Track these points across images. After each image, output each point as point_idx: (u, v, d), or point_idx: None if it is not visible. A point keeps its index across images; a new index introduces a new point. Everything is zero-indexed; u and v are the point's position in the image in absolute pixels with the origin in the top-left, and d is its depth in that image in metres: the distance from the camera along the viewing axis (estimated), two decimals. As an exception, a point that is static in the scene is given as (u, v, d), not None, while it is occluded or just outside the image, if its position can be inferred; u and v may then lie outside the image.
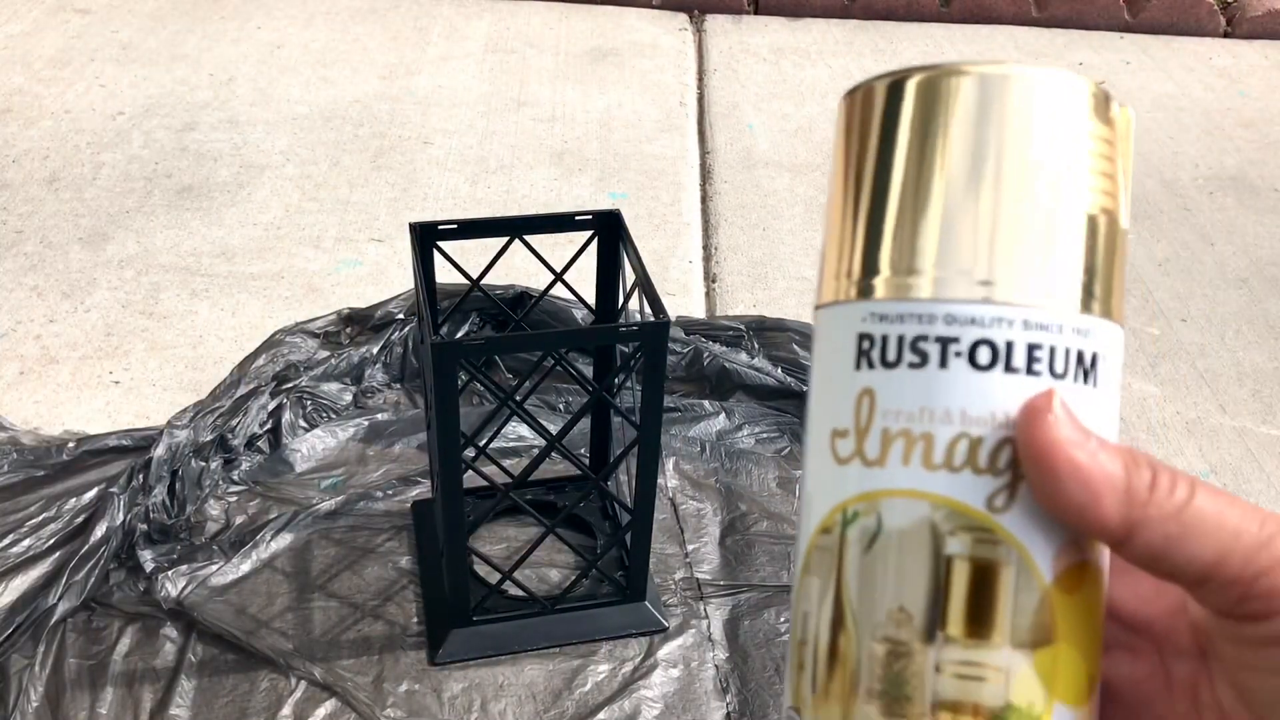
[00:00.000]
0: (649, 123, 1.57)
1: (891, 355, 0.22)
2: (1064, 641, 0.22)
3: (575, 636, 0.82)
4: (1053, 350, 0.22)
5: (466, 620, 0.81)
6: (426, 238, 0.77)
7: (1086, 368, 0.23)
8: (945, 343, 0.22)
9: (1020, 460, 0.22)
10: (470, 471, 0.74)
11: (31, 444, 0.94)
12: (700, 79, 1.73)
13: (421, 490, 0.95)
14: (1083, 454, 0.21)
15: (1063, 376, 0.22)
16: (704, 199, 1.40)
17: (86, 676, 0.78)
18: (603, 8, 1.93)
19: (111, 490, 0.88)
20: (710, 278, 1.25)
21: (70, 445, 0.94)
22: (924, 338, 0.22)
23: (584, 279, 0.84)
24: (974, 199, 0.22)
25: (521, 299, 1.06)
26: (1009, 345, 0.22)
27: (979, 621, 0.22)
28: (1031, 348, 0.22)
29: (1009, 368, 0.22)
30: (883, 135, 0.23)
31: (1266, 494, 0.99)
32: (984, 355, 0.22)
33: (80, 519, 0.87)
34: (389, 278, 1.21)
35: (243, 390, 0.98)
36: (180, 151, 1.45)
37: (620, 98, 1.64)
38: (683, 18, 1.92)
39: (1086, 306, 0.23)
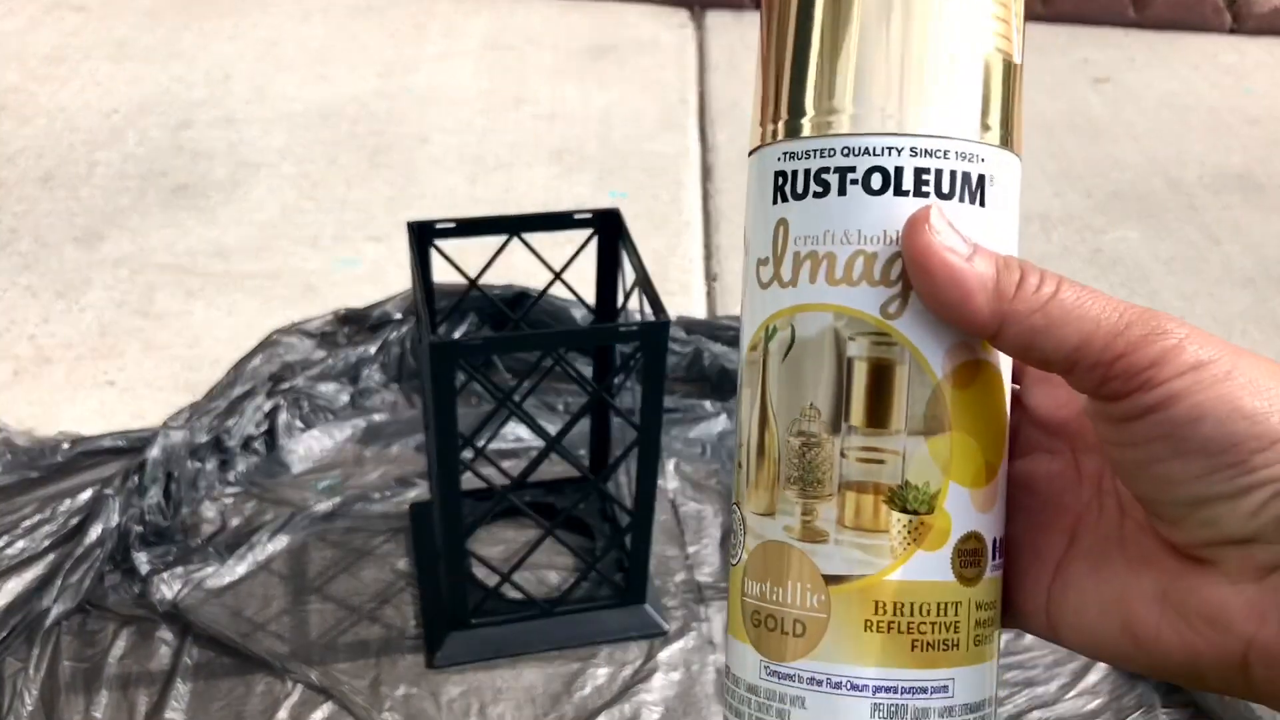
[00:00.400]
0: (649, 120, 1.56)
1: (800, 188, 0.26)
2: (958, 430, 0.25)
3: (574, 639, 0.81)
4: (938, 173, 0.25)
5: (465, 623, 0.80)
6: (424, 237, 0.77)
7: (973, 189, 0.25)
8: (843, 172, 0.25)
9: (906, 264, 0.25)
10: (468, 473, 0.73)
11: (25, 445, 0.94)
12: (701, 76, 1.72)
13: (419, 492, 0.94)
14: (956, 258, 0.24)
15: (949, 197, 0.25)
16: (705, 197, 1.39)
17: (81, 679, 0.78)
18: (602, 4, 1.93)
19: (106, 492, 0.87)
20: (711, 277, 1.24)
21: (65, 446, 0.93)
22: (825, 170, 0.25)
23: (583, 278, 0.84)
24: (865, 44, 0.25)
25: (520, 298, 1.05)
26: (898, 170, 0.25)
27: (877, 413, 0.25)
28: (919, 171, 0.25)
29: (899, 190, 0.25)
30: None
31: (1273, 495, 0.98)
32: (876, 180, 0.25)
33: (75, 521, 0.86)
34: (387, 277, 1.20)
35: (239, 391, 0.97)
36: (176, 150, 1.44)
37: (620, 95, 1.63)
38: (683, 14, 1.91)
39: (975, 134, 0.25)
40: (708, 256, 1.28)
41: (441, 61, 1.71)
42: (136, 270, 1.20)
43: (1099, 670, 0.80)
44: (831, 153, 0.25)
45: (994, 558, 0.27)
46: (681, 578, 0.88)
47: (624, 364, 0.80)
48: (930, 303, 0.25)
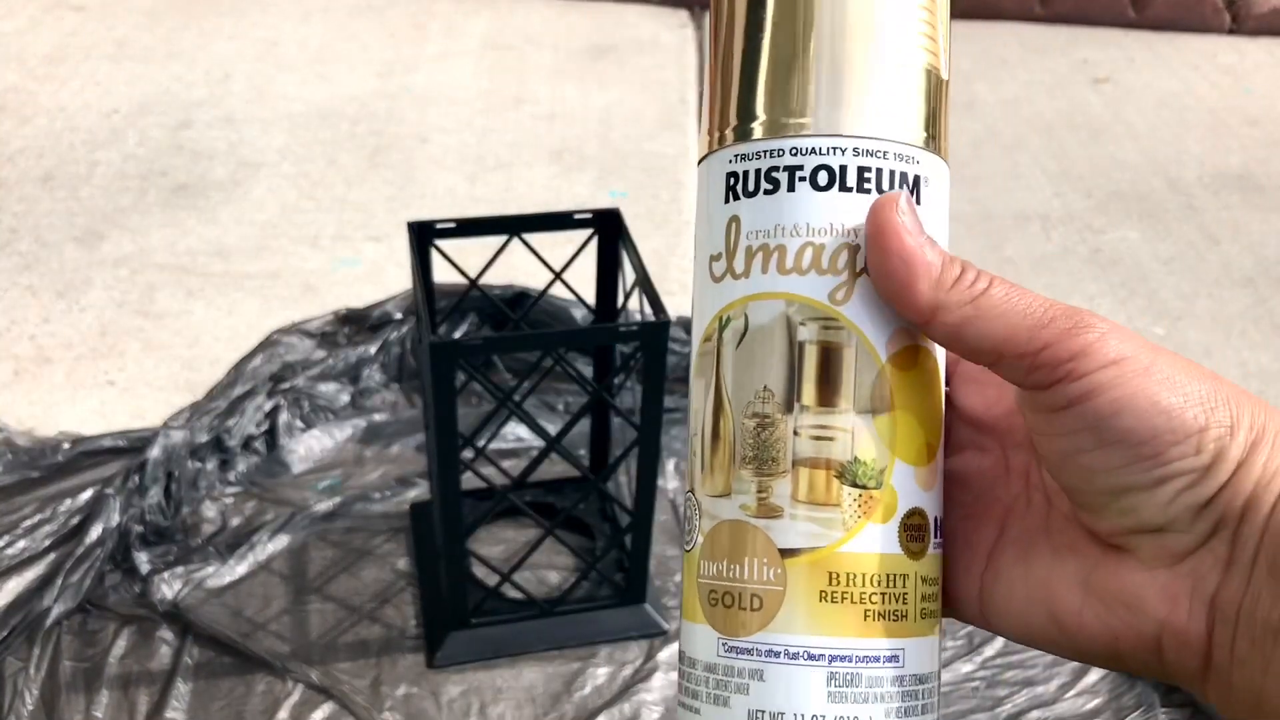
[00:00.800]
0: (649, 120, 1.56)
1: (751, 186, 0.27)
2: (901, 410, 0.27)
3: (574, 639, 0.81)
4: (879, 171, 0.27)
5: (465, 623, 0.80)
6: (424, 236, 0.77)
7: (910, 188, 0.27)
8: (791, 170, 0.27)
9: (867, 237, 0.26)
10: (468, 472, 0.73)
11: (26, 445, 0.94)
12: (701, 76, 1.72)
13: (419, 491, 0.95)
14: (912, 241, 0.26)
15: None
16: (704, 197, 1.39)
17: (81, 679, 0.78)
18: (602, 4, 1.93)
19: (107, 492, 0.87)
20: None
21: (65, 446, 0.93)
22: (775, 169, 0.27)
23: (583, 278, 0.84)
24: (808, 56, 0.27)
25: (520, 298, 1.05)
26: (842, 169, 0.27)
27: (827, 393, 0.27)
28: (861, 170, 0.27)
29: (843, 187, 0.27)
30: (747, 11, 0.28)
31: (1272, 494, 0.98)
32: (823, 178, 0.27)
33: (75, 520, 0.86)
34: (387, 277, 1.20)
35: (239, 391, 0.97)
36: (176, 150, 1.44)
37: (620, 95, 1.63)
38: (683, 14, 1.91)
39: (910, 138, 0.27)
40: (707, 256, 1.28)
41: (441, 61, 1.71)
42: (136, 270, 1.21)
43: (1098, 670, 0.80)
44: (780, 153, 0.27)
45: (935, 535, 0.28)
46: (681, 577, 0.88)
47: (624, 364, 0.80)
48: (878, 277, 0.26)
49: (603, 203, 1.36)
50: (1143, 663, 0.26)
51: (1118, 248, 1.33)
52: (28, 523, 0.86)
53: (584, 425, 0.96)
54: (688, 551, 0.28)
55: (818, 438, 0.27)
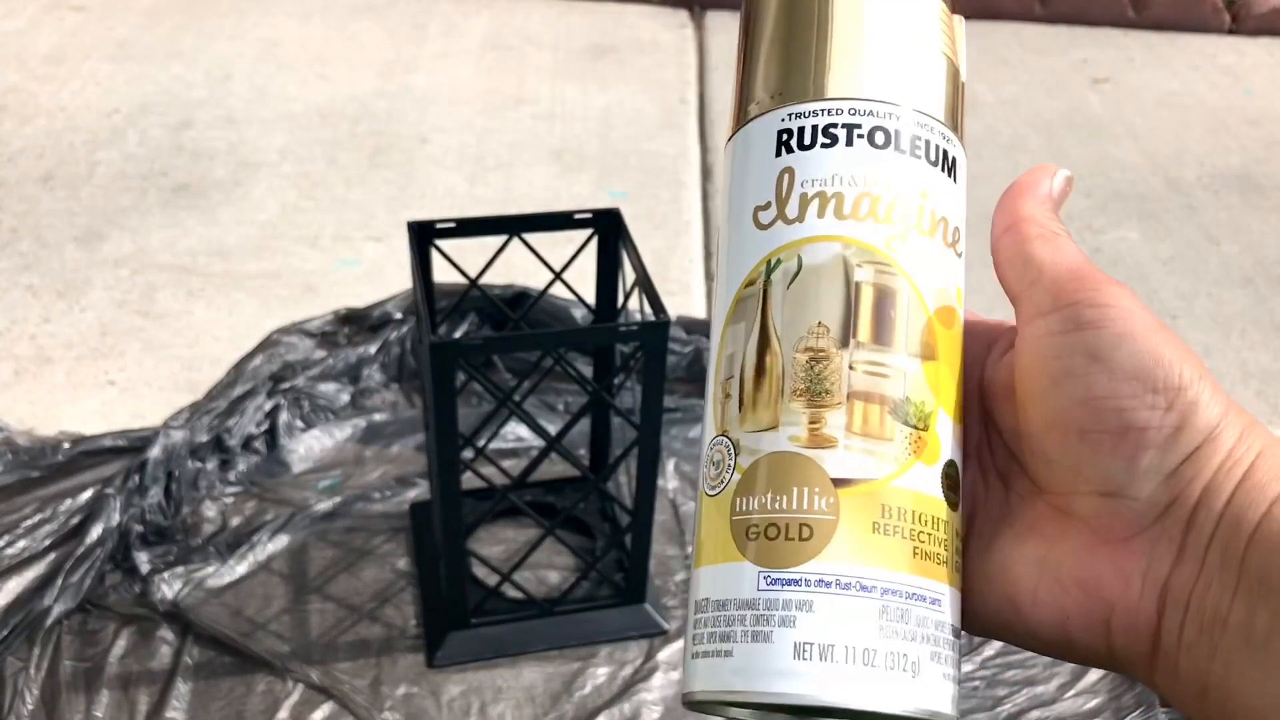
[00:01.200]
0: (649, 120, 1.56)
1: (807, 140, 0.28)
2: (944, 362, 0.28)
3: (574, 639, 0.82)
4: (928, 142, 0.28)
5: (465, 622, 0.80)
6: (424, 236, 0.77)
7: (949, 165, 0.29)
8: (850, 128, 0.28)
9: (1000, 208, 0.29)
10: (469, 472, 0.73)
11: (26, 445, 0.94)
12: (701, 76, 1.72)
13: (419, 491, 0.95)
14: (1050, 180, 0.29)
15: (935, 165, 0.28)
16: (705, 197, 1.39)
17: (82, 679, 0.78)
18: (602, 4, 1.93)
19: (107, 491, 0.87)
20: (711, 277, 1.24)
21: (65, 446, 0.93)
22: (833, 125, 0.28)
23: (583, 278, 0.84)
24: (866, 32, 0.29)
25: (520, 298, 1.05)
26: (898, 132, 0.28)
27: (883, 332, 0.27)
28: (914, 136, 0.28)
29: (898, 148, 0.28)
30: None
31: (1272, 494, 0.98)
32: (879, 137, 0.28)
33: (75, 520, 0.86)
34: (387, 277, 1.20)
35: (239, 391, 0.97)
36: (176, 150, 1.44)
37: (620, 95, 1.63)
38: (683, 14, 1.91)
39: (948, 121, 0.29)
40: (708, 256, 1.28)
41: (441, 61, 1.71)
42: (137, 270, 1.21)
43: (1097, 670, 0.80)
44: (839, 111, 0.28)
45: (960, 493, 0.28)
46: (681, 577, 0.88)
47: (624, 364, 0.80)
48: (1017, 182, 0.29)
49: (603, 203, 1.36)
50: (1091, 646, 0.26)
51: (1118, 248, 1.33)
52: (28, 522, 0.86)
53: (584, 425, 0.96)
54: (713, 495, 0.28)
55: (872, 373, 0.27)
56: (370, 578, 0.87)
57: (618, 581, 0.83)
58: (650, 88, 1.66)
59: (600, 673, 0.80)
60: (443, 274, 0.81)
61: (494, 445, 0.98)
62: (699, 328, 1.09)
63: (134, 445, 0.93)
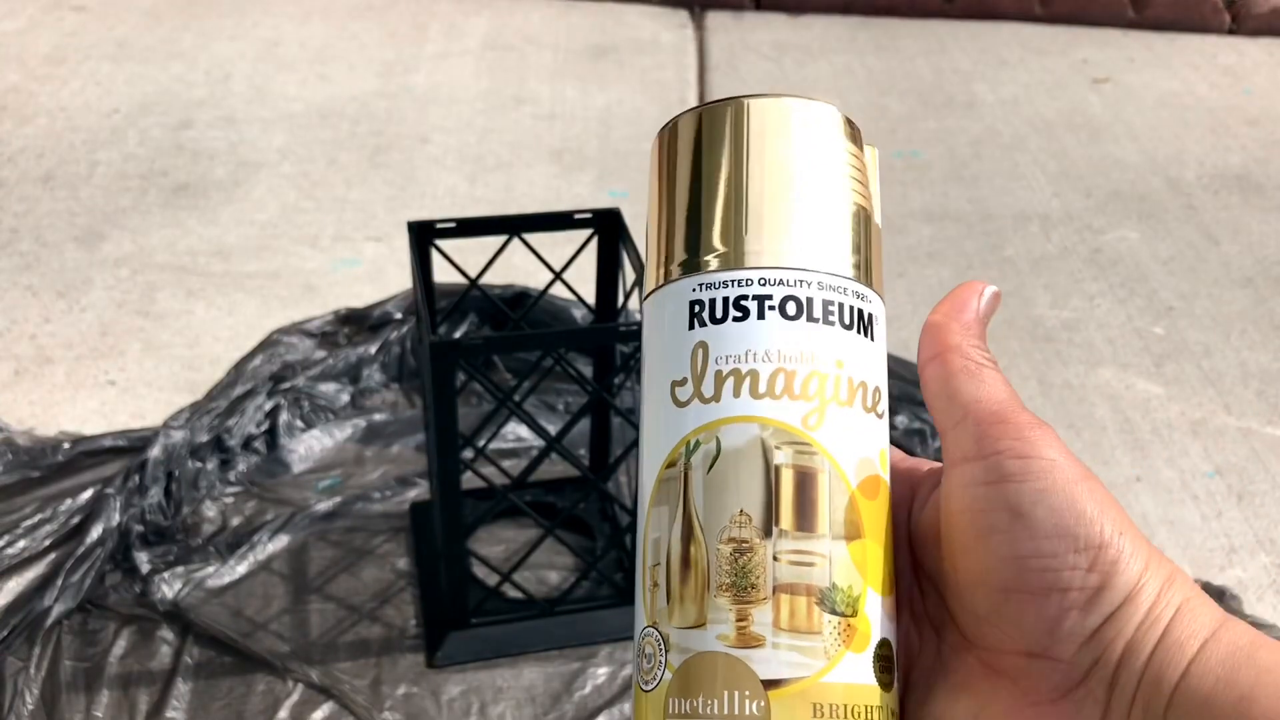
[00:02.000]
0: (649, 120, 1.56)
1: (719, 313, 0.28)
2: (869, 538, 0.27)
3: (575, 639, 0.82)
4: (840, 306, 0.28)
5: (465, 622, 0.80)
6: (424, 236, 0.77)
7: (865, 324, 0.29)
8: (761, 300, 0.28)
9: (951, 293, 0.29)
10: (469, 472, 0.73)
11: (26, 444, 0.94)
12: (701, 76, 1.72)
13: (419, 491, 0.95)
14: (976, 304, 0.29)
15: (850, 328, 0.28)
16: (704, 197, 1.39)
17: (82, 679, 0.78)
18: (603, 4, 1.93)
19: (107, 491, 0.87)
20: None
21: (65, 446, 0.93)
22: (744, 297, 0.28)
23: (583, 278, 0.84)
24: (769, 196, 0.28)
25: (520, 298, 1.05)
26: (809, 301, 0.28)
27: (805, 517, 0.26)
28: (826, 303, 0.28)
29: (810, 318, 0.28)
30: (696, 154, 0.29)
31: (1272, 495, 0.98)
32: (791, 308, 0.28)
33: (75, 520, 0.86)
34: (387, 277, 1.20)
35: (239, 391, 0.97)
36: (176, 150, 1.44)
37: (620, 95, 1.63)
38: (683, 14, 1.91)
39: (861, 278, 0.29)
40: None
41: (441, 61, 1.71)
42: (137, 270, 1.21)
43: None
44: (749, 282, 0.28)
45: (897, 669, 0.28)
46: None
47: (624, 364, 0.80)
48: (945, 301, 0.29)
49: (603, 203, 1.36)
50: None
51: (1117, 248, 1.33)
52: (28, 522, 0.86)
53: (584, 425, 0.96)
54: (648, 691, 0.27)
55: (797, 563, 0.26)
56: (370, 578, 0.87)
57: (618, 581, 0.83)
58: (650, 88, 1.66)
59: (600, 673, 0.80)
60: (443, 274, 0.81)
61: (494, 445, 0.98)
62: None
63: (134, 445, 0.93)
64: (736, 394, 0.27)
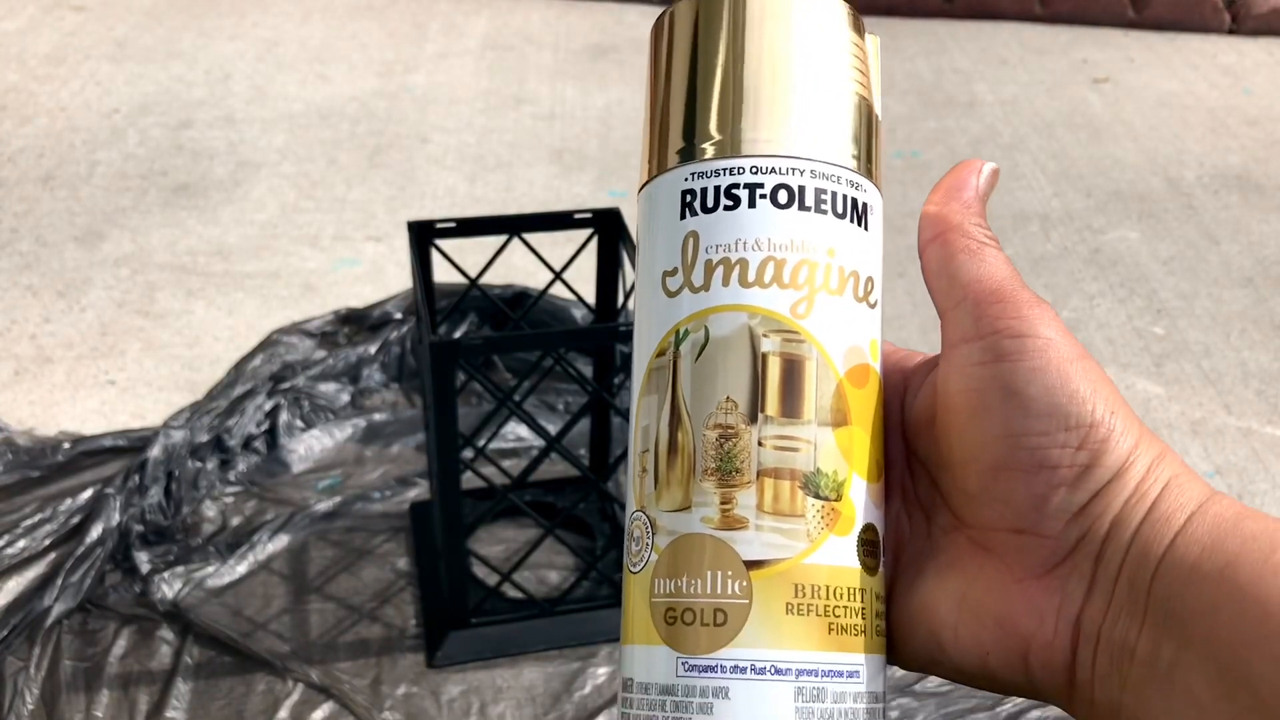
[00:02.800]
0: (649, 120, 1.56)
1: (710, 202, 0.28)
2: (856, 425, 0.27)
3: (575, 639, 0.82)
4: (834, 195, 0.28)
5: (465, 622, 0.80)
6: (424, 236, 0.77)
7: (859, 213, 0.28)
8: (752, 188, 0.27)
9: (950, 173, 0.29)
10: (469, 472, 0.73)
11: (26, 444, 0.94)
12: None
13: (419, 491, 0.95)
14: (975, 181, 0.29)
15: (843, 217, 0.28)
16: (704, 197, 1.39)
17: (82, 679, 0.78)
18: (602, 4, 1.93)
19: (107, 491, 0.87)
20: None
21: (65, 446, 0.93)
22: (735, 186, 0.28)
23: (583, 278, 0.84)
24: (766, 83, 0.28)
25: (520, 298, 1.05)
26: (801, 189, 0.27)
27: (791, 403, 0.27)
28: (819, 191, 0.28)
29: (802, 206, 0.27)
30: (693, 43, 0.29)
31: (1272, 494, 0.98)
32: (783, 196, 0.27)
33: (75, 520, 0.86)
34: (387, 277, 1.20)
35: (239, 390, 0.98)
36: (176, 150, 1.44)
37: (620, 95, 1.63)
38: (683, 14, 1.91)
39: (858, 168, 0.28)
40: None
41: (441, 61, 1.71)
42: (137, 270, 1.21)
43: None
44: (741, 170, 0.28)
45: (884, 554, 0.28)
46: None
47: (624, 364, 0.80)
48: (944, 180, 0.29)
49: (603, 203, 1.36)
50: (1012, 680, 0.27)
51: (1117, 248, 1.33)
52: (28, 522, 0.86)
53: (584, 425, 0.96)
54: (635, 573, 0.28)
55: (781, 448, 0.26)
56: (370, 577, 0.87)
57: (618, 581, 0.83)
58: (650, 88, 1.66)
59: (600, 673, 0.80)
60: (443, 274, 0.81)
61: (494, 445, 0.98)
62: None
63: (134, 445, 0.93)
64: (725, 283, 0.27)
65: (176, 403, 1.00)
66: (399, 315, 1.07)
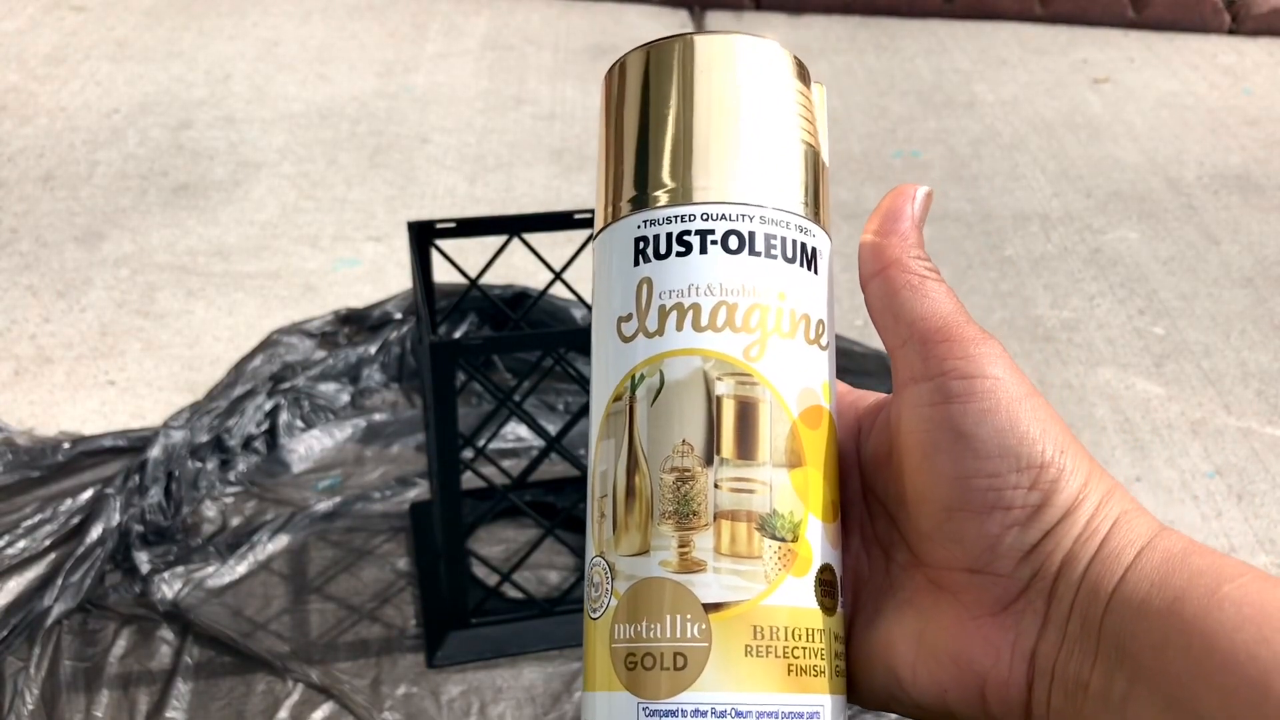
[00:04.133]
0: (649, 120, 1.56)
1: (662, 249, 0.28)
2: (811, 466, 0.28)
3: (574, 639, 0.82)
4: (783, 240, 0.28)
5: (465, 622, 0.80)
6: (424, 236, 0.77)
7: (808, 258, 0.29)
8: (703, 235, 0.28)
9: (881, 203, 0.29)
10: (469, 472, 0.73)
11: (26, 445, 0.94)
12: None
13: (419, 491, 0.95)
14: (911, 210, 0.29)
15: (793, 261, 0.28)
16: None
17: (82, 679, 0.78)
18: (602, 4, 1.93)
19: (107, 491, 0.87)
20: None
21: (65, 446, 0.93)
22: (687, 232, 0.28)
23: (583, 278, 0.84)
24: (715, 132, 0.29)
25: (520, 298, 1.05)
26: (751, 235, 0.28)
27: (746, 446, 0.27)
28: (768, 236, 0.28)
29: (752, 251, 0.28)
30: (644, 92, 0.30)
31: (1272, 495, 0.98)
32: (734, 242, 0.28)
33: (75, 520, 0.86)
34: (387, 277, 1.20)
35: (239, 391, 0.97)
36: (176, 150, 1.44)
37: (620, 95, 1.63)
38: (683, 14, 1.91)
39: (806, 213, 0.29)
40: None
41: (441, 61, 1.71)
42: (137, 270, 1.21)
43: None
44: (692, 218, 0.28)
45: (842, 594, 0.28)
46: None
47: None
48: (878, 212, 0.29)
49: (603, 203, 1.35)
50: (970, 716, 0.27)
51: (1117, 248, 1.33)
52: (28, 522, 0.86)
53: (584, 425, 0.96)
54: (595, 619, 0.28)
55: (738, 490, 0.27)
56: (370, 578, 0.87)
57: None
58: (650, 88, 1.65)
59: (600, 673, 0.80)
60: (443, 274, 0.81)
61: (494, 445, 0.98)
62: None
63: (134, 445, 0.93)
64: (679, 328, 0.28)
65: (176, 403, 1.00)
66: (399, 315, 1.07)
